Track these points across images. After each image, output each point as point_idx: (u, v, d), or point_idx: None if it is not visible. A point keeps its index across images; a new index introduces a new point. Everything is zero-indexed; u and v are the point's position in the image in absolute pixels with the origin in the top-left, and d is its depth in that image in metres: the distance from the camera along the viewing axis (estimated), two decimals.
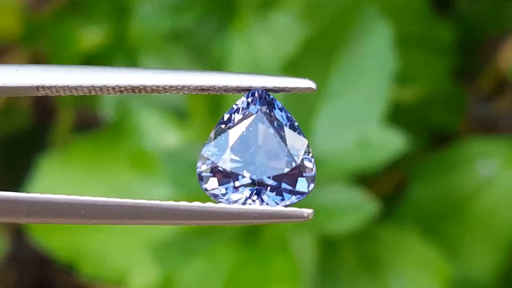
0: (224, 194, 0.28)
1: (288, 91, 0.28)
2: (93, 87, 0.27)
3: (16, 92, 0.28)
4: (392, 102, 0.59)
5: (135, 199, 0.27)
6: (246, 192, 0.27)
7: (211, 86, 0.28)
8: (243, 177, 0.27)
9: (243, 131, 0.28)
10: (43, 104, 0.80)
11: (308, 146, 0.28)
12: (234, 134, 0.28)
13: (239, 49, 0.62)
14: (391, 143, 0.58)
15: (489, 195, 0.66)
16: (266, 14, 0.64)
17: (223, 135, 0.28)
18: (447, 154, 0.67)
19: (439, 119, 0.71)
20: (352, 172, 0.58)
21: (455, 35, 0.69)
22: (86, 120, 0.78)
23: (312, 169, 0.28)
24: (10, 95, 0.28)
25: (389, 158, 0.58)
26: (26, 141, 0.79)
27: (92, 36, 0.69)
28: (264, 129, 0.28)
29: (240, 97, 0.28)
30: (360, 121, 0.58)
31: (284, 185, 0.27)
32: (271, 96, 0.28)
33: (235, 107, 0.28)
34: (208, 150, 0.28)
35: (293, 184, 0.28)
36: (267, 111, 0.28)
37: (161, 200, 0.27)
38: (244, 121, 0.28)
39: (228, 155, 0.27)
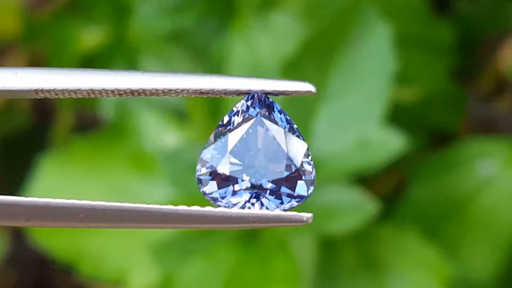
0: (223, 198, 0.28)
1: (287, 95, 0.28)
2: (92, 91, 0.27)
3: (15, 95, 0.27)
4: (392, 102, 0.59)
5: (134, 202, 0.27)
6: (245, 195, 0.27)
7: (210, 90, 0.28)
8: (242, 180, 0.27)
9: (243, 134, 0.28)
10: (43, 105, 0.80)
11: (307, 149, 0.28)
12: (233, 137, 0.28)
13: (239, 49, 0.62)
14: (391, 143, 0.58)
15: (489, 195, 0.66)
16: (266, 15, 0.64)
17: (222, 138, 0.28)
18: (447, 154, 0.67)
19: (439, 119, 0.71)
20: (352, 172, 0.58)
21: (455, 35, 0.69)
22: (86, 121, 0.78)
23: (311, 172, 0.28)
24: (9, 98, 0.27)
25: (389, 159, 0.58)
26: (26, 141, 0.79)
27: (91, 36, 0.69)
28: (264, 132, 0.28)
29: (240, 100, 0.28)
30: (360, 122, 0.58)
31: (283, 189, 0.27)
32: (270, 99, 0.28)
33: (234, 109, 0.28)
34: (208, 153, 0.28)
35: (293, 188, 0.28)
36: (267, 114, 0.28)
37: (160, 204, 0.27)
38: (244, 124, 0.28)
39: (227, 158, 0.27)
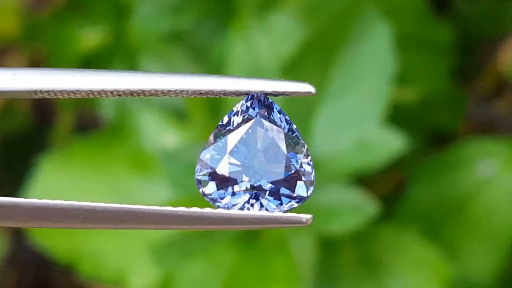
0: (222, 198, 0.27)
1: (287, 95, 0.28)
2: (92, 91, 0.27)
3: (14, 95, 0.27)
4: (391, 102, 0.59)
5: (133, 202, 0.27)
6: (245, 196, 0.27)
7: (210, 90, 0.28)
8: (242, 181, 0.27)
9: (242, 135, 0.27)
10: (43, 105, 0.80)
11: (307, 149, 0.28)
12: (233, 138, 0.28)
13: (239, 50, 0.62)
14: (390, 143, 0.58)
15: (489, 195, 0.66)
16: (266, 15, 0.64)
17: (222, 138, 0.28)
18: (447, 154, 0.67)
19: (439, 120, 0.71)
20: (352, 172, 0.58)
21: (454, 35, 0.69)
22: (86, 121, 0.78)
23: (311, 173, 0.28)
24: (8, 99, 0.27)
25: (388, 159, 0.58)
26: (26, 141, 0.79)
27: (91, 37, 0.69)
28: (263, 133, 0.28)
29: (240, 100, 0.28)
30: (359, 122, 0.58)
31: (283, 190, 0.27)
32: (270, 100, 0.28)
33: (234, 110, 0.28)
34: (207, 154, 0.28)
35: (292, 188, 0.27)
36: (266, 114, 0.28)
37: (160, 204, 0.27)
38: (243, 124, 0.28)
39: (227, 159, 0.27)
